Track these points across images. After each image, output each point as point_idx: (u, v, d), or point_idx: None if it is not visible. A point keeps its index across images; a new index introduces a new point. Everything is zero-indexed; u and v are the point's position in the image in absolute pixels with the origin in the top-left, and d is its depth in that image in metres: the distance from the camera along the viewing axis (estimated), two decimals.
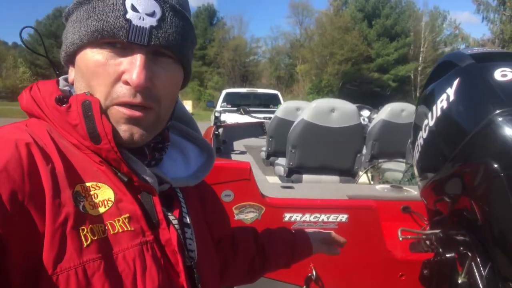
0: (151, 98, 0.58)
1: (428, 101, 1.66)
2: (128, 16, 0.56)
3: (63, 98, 0.58)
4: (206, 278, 0.67)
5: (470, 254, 1.52)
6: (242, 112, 5.03)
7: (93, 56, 0.57)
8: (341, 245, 1.20)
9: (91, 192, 0.54)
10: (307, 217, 1.55)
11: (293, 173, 2.54)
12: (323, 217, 1.56)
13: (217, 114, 3.22)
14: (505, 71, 1.36)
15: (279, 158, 3.01)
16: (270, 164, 3.29)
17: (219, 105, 8.97)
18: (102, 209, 0.54)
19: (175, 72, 0.62)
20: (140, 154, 0.62)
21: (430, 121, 1.63)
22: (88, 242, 0.50)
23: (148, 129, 0.59)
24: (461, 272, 1.55)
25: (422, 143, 1.71)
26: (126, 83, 0.56)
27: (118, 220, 0.55)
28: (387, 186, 2.15)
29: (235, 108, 7.31)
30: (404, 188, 2.09)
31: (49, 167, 0.51)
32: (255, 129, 4.07)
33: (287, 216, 1.54)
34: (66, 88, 0.64)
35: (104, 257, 0.51)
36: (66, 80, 0.66)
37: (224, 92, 9.56)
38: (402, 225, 1.82)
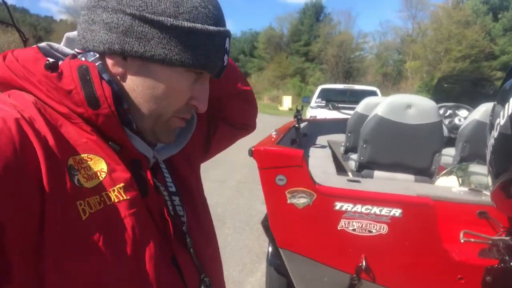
0: None
1: (503, 99, 1.56)
2: (224, 58, 0.64)
3: (53, 65, 0.56)
4: (198, 242, 0.69)
5: None
6: (331, 108, 5.02)
7: (183, 81, 0.61)
8: None
9: (84, 165, 0.54)
10: (358, 208, 1.57)
11: (363, 168, 2.51)
12: (376, 209, 1.57)
13: (298, 108, 3.31)
14: None
15: (354, 154, 2.99)
16: (347, 159, 3.28)
17: (314, 100, 8.98)
18: (96, 181, 0.54)
19: None
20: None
21: (501, 120, 1.54)
22: (86, 216, 0.51)
23: None
24: None
25: (493, 143, 1.62)
26: (195, 108, 0.65)
27: (113, 190, 0.55)
28: (465, 189, 2.04)
29: (326, 104, 7.27)
30: (484, 192, 1.96)
31: (41, 142, 0.49)
32: (342, 125, 4.06)
33: (338, 205, 1.58)
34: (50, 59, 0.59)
35: (103, 228, 0.52)
36: (42, 49, 0.62)
37: (319, 88, 9.54)
38: (478, 231, 1.72)
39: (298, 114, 3.22)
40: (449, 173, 2.53)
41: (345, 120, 3.81)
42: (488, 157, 1.65)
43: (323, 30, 40.98)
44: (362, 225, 1.58)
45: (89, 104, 0.55)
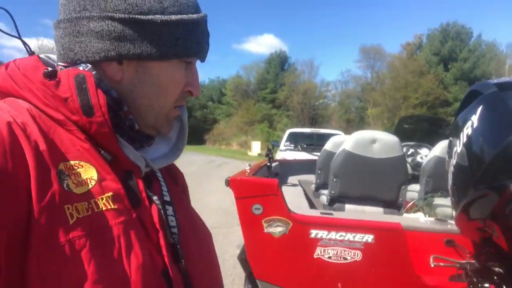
0: None
1: (457, 131, 1.70)
2: (209, 41, 0.67)
3: (52, 73, 0.57)
4: (190, 254, 0.67)
5: (504, 286, 1.48)
6: (300, 149, 5.16)
7: (178, 71, 0.64)
8: None
9: (74, 171, 0.54)
10: (333, 235, 1.62)
11: (335, 201, 2.58)
12: (349, 236, 1.62)
13: (269, 147, 3.40)
14: None
15: (325, 190, 3.08)
16: (319, 195, 3.36)
17: (283, 144, 9.18)
18: (85, 188, 0.54)
19: None
20: (139, 141, 0.67)
21: (458, 148, 1.66)
22: (74, 220, 0.50)
23: None
24: None
25: (452, 170, 1.73)
26: (190, 93, 0.68)
27: (102, 199, 0.55)
28: (431, 219, 2.13)
29: (295, 145, 7.44)
30: (449, 221, 2.06)
31: (32, 146, 0.50)
32: (312, 166, 4.17)
33: (313, 233, 1.62)
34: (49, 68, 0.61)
35: (90, 234, 0.51)
36: (43, 60, 0.64)
37: (287, 132, 9.79)
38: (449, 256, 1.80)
39: (269, 153, 3.31)
40: (415, 207, 2.64)
41: (314, 161, 3.93)
42: (449, 187, 1.76)
43: (288, 78, 42.58)
44: (337, 252, 1.62)
45: (84, 112, 0.56)
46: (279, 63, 45.33)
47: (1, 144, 0.47)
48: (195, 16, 0.63)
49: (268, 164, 3.29)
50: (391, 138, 2.55)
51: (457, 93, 32.10)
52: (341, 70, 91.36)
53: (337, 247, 1.63)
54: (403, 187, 2.52)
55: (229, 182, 1.66)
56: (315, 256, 1.64)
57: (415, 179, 3.63)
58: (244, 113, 41.92)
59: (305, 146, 5.45)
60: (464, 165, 1.59)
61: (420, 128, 4.63)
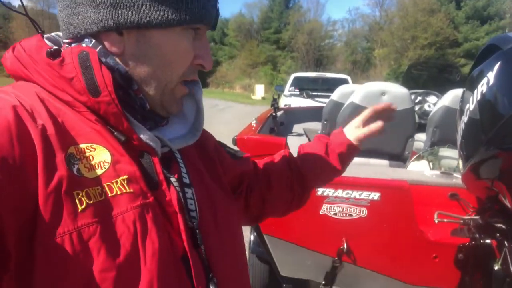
0: None
1: (471, 85, 1.65)
2: (217, 6, 0.61)
3: (55, 52, 0.55)
4: (210, 238, 0.64)
5: (506, 243, 1.51)
6: (305, 96, 5.09)
7: (183, 40, 0.58)
8: (388, 112, 1.00)
9: (86, 154, 0.52)
10: (339, 192, 1.64)
11: None
12: (355, 193, 1.63)
13: (275, 96, 3.35)
14: None
15: None
16: None
17: (287, 89, 9.07)
18: (98, 171, 0.52)
19: None
20: (154, 121, 0.64)
21: (470, 105, 1.62)
22: (84, 206, 0.49)
23: None
24: (498, 260, 1.55)
25: (463, 127, 1.70)
26: (202, 66, 0.62)
27: (116, 182, 0.53)
28: (436, 172, 2.14)
29: (300, 92, 7.36)
30: (455, 175, 2.06)
31: (39, 130, 0.48)
32: (317, 113, 4.13)
33: (320, 191, 1.64)
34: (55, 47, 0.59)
35: (101, 221, 0.50)
36: (50, 39, 0.62)
37: (292, 76, 9.63)
38: (450, 212, 1.83)
39: (274, 103, 3.27)
40: (421, 157, 2.64)
41: (320, 108, 3.88)
42: (458, 141, 1.74)
43: (293, 17, 41.03)
44: (343, 209, 1.65)
45: (90, 92, 0.54)
46: (283, 1, 43.42)
47: (7, 129, 0.46)
48: None
49: (274, 114, 3.26)
50: (401, 90, 2.50)
51: (468, 33, 30.96)
52: (348, 7, 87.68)
53: (343, 204, 1.65)
54: (410, 140, 2.51)
55: (236, 142, 1.64)
56: (321, 213, 1.67)
57: (421, 128, 3.61)
58: (247, 55, 40.95)
59: (310, 93, 5.36)
60: (477, 122, 1.56)
61: (430, 74, 4.52)
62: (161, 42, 0.57)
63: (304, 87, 8.73)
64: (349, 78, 9.41)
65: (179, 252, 0.58)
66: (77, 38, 0.58)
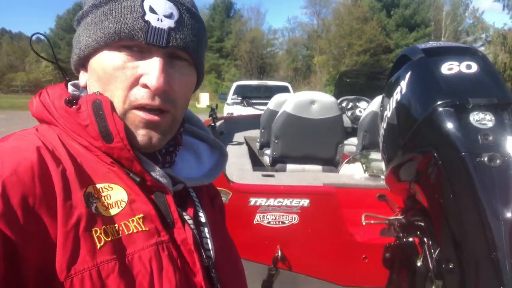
0: (168, 101, 0.57)
1: (388, 92, 1.75)
2: (146, 17, 0.55)
3: (73, 100, 0.58)
4: (225, 277, 0.65)
5: (425, 240, 1.62)
6: (246, 104, 5.14)
7: (110, 59, 0.56)
8: None
9: (104, 193, 0.54)
10: (271, 201, 1.66)
11: (277, 162, 2.65)
12: (287, 201, 1.67)
13: (213, 106, 3.35)
14: (452, 64, 1.44)
15: (268, 149, 3.14)
16: (263, 154, 3.42)
17: (230, 97, 9.09)
18: (115, 210, 0.53)
19: (190, 75, 0.62)
20: (152, 159, 0.61)
21: (388, 112, 1.72)
22: (102, 244, 0.50)
23: (165, 132, 0.59)
24: (420, 256, 1.65)
25: (383, 133, 1.81)
26: (145, 86, 0.55)
27: (132, 221, 0.54)
28: (366, 175, 2.24)
29: (241, 100, 7.41)
30: (382, 177, 2.18)
31: (59, 170, 0.51)
32: (257, 121, 4.18)
33: (253, 201, 1.66)
34: (76, 93, 0.64)
35: (119, 258, 0.50)
36: (74, 86, 0.65)
37: (235, 85, 9.67)
38: (379, 212, 1.92)
39: (213, 113, 3.26)
40: (352, 161, 2.76)
41: (258, 116, 3.93)
42: (380, 145, 1.85)
43: (235, 26, 41.43)
44: (276, 217, 1.68)
45: (104, 138, 0.55)
46: (224, 10, 43.67)
47: (30, 168, 0.48)
48: None
49: (212, 124, 3.25)
50: (329, 99, 2.61)
51: (398, 39, 33.12)
52: (288, 16, 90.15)
53: (275, 213, 1.68)
54: (340, 145, 2.62)
55: None
56: (254, 222, 1.68)
57: (354, 132, 3.78)
58: None
59: (250, 101, 5.41)
60: (394, 127, 1.66)
61: (360, 81, 4.76)
62: (95, 66, 0.59)
63: (246, 95, 8.78)
64: (289, 86, 9.62)
65: None
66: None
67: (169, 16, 0.57)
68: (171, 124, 0.60)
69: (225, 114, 7.14)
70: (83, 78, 0.62)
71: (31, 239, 0.45)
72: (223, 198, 1.78)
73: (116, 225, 0.52)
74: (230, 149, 3.18)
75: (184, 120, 0.68)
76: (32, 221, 0.46)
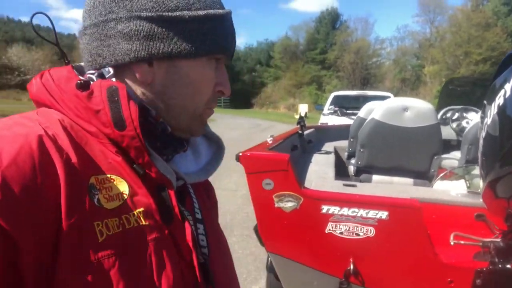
0: None
1: (490, 97, 1.55)
2: (236, 38, 0.64)
3: (84, 84, 0.57)
4: (219, 274, 0.66)
5: None
6: (339, 114, 4.98)
7: (208, 69, 0.61)
8: None
9: (106, 185, 0.53)
10: (345, 211, 1.57)
11: (361, 172, 2.50)
12: (362, 212, 1.56)
13: (302, 114, 3.32)
14: None
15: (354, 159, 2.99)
16: (350, 164, 3.27)
17: (327, 107, 8.95)
18: (116, 203, 0.53)
19: None
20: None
21: (488, 119, 1.52)
22: (103, 238, 0.49)
23: None
24: None
25: (482, 143, 1.60)
26: (222, 93, 0.65)
27: (133, 215, 0.53)
28: (463, 191, 2.00)
29: (335, 110, 7.22)
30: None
31: (62, 159, 0.49)
32: (349, 131, 4.06)
33: (325, 209, 1.59)
34: (89, 76, 0.62)
35: (120, 253, 0.50)
36: (77, 69, 0.63)
37: (332, 95, 9.49)
38: (475, 233, 1.70)
39: (301, 121, 3.24)
40: (448, 175, 2.49)
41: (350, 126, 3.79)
42: (479, 159, 1.64)
43: (339, 37, 40.86)
44: (349, 228, 1.58)
45: (116, 125, 0.55)
46: (330, 22, 43.41)
47: (31, 158, 0.46)
48: (221, 11, 0.61)
49: (300, 132, 3.23)
50: (425, 106, 2.38)
51: None
52: (397, 25, 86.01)
53: (349, 223, 1.58)
54: (436, 157, 2.37)
55: (240, 158, 1.63)
56: (326, 231, 1.61)
57: (459, 145, 3.41)
58: (292, 76, 41.17)
59: (344, 110, 5.24)
60: (494, 135, 1.46)
61: (469, 90, 4.27)
62: (189, 71, 0.59)
63: (344, 105, 8.55)
64: (391, 96, 9.08)
65: (193, 286, 0.59)
66: (98, 69, 0.61)
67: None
68: None
69: (319, 124, 7.04)
70: (148, 72, 0.58)
71: (32, 233, 0.44)
72: (293, 204, 1.75)
73: (117, 218, 0.51)
74: (316, 157, 3.12)
75: None
76: (33, 214, 0.44)
